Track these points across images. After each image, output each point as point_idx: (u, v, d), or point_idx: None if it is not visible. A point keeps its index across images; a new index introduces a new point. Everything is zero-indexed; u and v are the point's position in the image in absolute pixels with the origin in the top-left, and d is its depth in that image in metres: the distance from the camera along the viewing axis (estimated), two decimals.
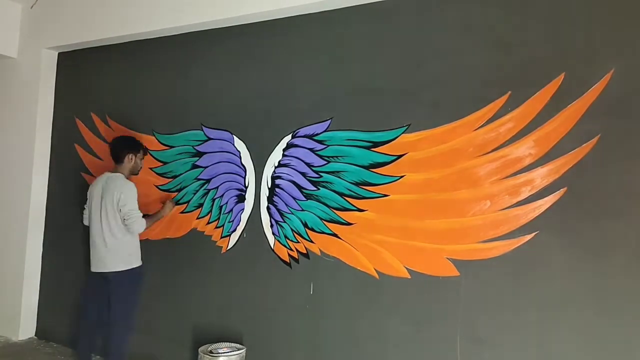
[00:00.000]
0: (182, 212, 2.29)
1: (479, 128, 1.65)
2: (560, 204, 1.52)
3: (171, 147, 2.35)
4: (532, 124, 1.57)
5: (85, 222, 2.23)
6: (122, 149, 2.12)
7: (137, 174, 2.20)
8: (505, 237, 1.59)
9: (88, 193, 2.18)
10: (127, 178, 2.12)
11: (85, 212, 2.22)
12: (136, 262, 2.11)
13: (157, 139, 2.40)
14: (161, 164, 2.38)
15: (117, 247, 2.05)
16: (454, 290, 1.65)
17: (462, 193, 1.66)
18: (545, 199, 1.54)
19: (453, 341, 1.64)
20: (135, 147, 2.15)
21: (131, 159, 2.12)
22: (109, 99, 2.59)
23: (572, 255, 1.50)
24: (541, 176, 1.55)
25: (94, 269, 2.10)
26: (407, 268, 1.74)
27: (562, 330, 1.50)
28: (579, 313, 1.49)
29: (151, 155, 2.41)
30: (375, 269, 1.81)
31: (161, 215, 2.19)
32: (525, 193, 1.57)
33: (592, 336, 1.47)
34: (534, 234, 1.55)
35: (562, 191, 1.52)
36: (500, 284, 1.59)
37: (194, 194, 2.27)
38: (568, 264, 1.51)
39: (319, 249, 1.92)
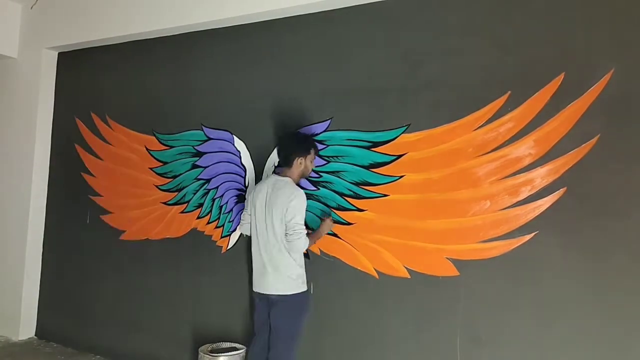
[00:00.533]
0: (182, 212, 2.30)
1: (478, 128, 1.66)
2: (559, 204, 1.53)
3: (171, 147, 2.36)
4: (531, 124, 1.58)
5: (243, 230, 1.86)
6: (290, 151, 1.73)
7: (306, 177, 1.83)
8: (505, 237, 1.60)
9: (248, 197, 1.83)
10: (297, 183, 1.75)
11: (245, 218, 1.83)
12: (303, 286, 1.72)
13: (157, 138, 2.40)
14: (161, 164, 2.39)
15: (283, 266, 1.68)
16: (454, 290, 1.65)
17: (462, 193, 1.67)
18: (545, 199, 1.54)
19: (453, 341, 1.65)
20: (306, 149, 1.75)
21: (301, 163, 1.73)
22: (109, 99, 2.60)
23: (572, 255, 1.51)
24: (541, 176, 1.55)
25: (256, 288, 1.74)
26: (407, 268, 1.75)
27: (562, 330, 1.51)
28: (579, 313, 1.49)
29: (151, 155, 2.42)
30: (375, 269, 1.81)
31: (321, 234, 1.81)
32: (525, 193, 1.57)
33: (591, 336, 1.47)
34: (533, 234, 1.55)
35: (561, 191, 1.53)
36: (500, 283, 1.59)
37: (194, 193, 2.27)
38: (567, 263, 1.51)
39: (319, 249, 1.92)
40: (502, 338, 1.58)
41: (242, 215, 1.88)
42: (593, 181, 1.49)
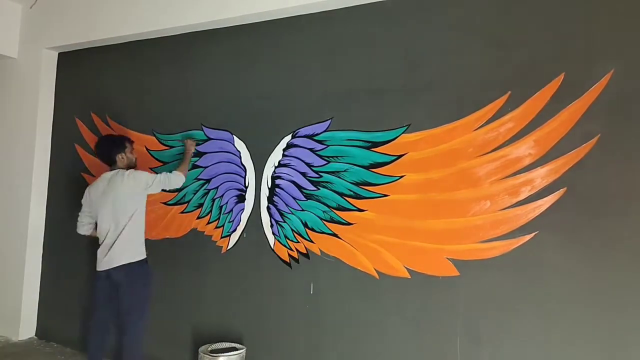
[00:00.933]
0: (182, 212, 2.30)
1: (479, 128, 1.66)
2: (560, 204, 1.53)
3: (171, 147, 2.36)
4: (532, 124, 1.58)
5: (82, 231, 2.11)
6: (109, 152, 2.04)
7: (135, 167, 2.11)
8: (505, 237, 1.60)
9: (87, 198, 2.07)
10: None
11: (84, 219, 2.09)
12: (143, 254, 2.01)
13: (157, 138, 2.41)
14: (161, 164, 2.39)
15: (131, 240, 1.97)
16: (454, 290, 1.66)
17: (462, 193, 1.67)
18: (545, 199, 1.55)
19: (453, 341, 1.65)
20: (121, 145, 2.06)
21: (122, 157, 2.05)
22: (109, 99, 2.60)
23: (572, 255, 1.51)
24: (541, 176, 1.56)
25: (100, 267, 1.99)
26: (407, 268, 1.75)
27: (562, 330, 1.51)
28: (579, 313, 1.49)
29: (151, 155, 2.42)
30: (375, 269, 1.82)
31: (187, 158, 2.13)
32: (525, 193, 1.58)
33: (591, 335, 1.47)
34: (533, 234, 1.56)
35: (561, 191, 1.53)
36: (500, 283, 1.60)
37: (194, 194, 2.27)
38: (567, 263, 1.51)
39: (319, 249, 1.93)
40: (502, 338, 1.59)
41: (80, 217, 2.10)
42: (593, 181, 1.49)
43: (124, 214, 1.95)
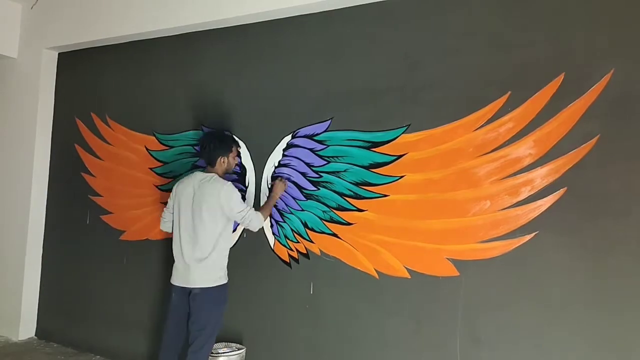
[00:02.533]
0: None
1: (479, 128, 1.67)
2: (560, 204, 1.53)
3: (171, 147, 2.37)
4: (532, 124, 1.59)
5: (166, 228, 1.93)
6: (212, 152, 1.83)
7: (231, 173, 1.95)
8: (505, 237, 1.61)
9: (173, 194, 1.88)
10: (221, 177, 1.84)
11: (166, 215, 1.92)
12: (224, 279, 1.82)
13: (157, 139, 2.42)
14: (161, 164, 2.40)
15: (210, 261, 1.77)
16: (454, 290, 1.66)
17: (462, 193, 1.68)
18: (545, 199, 1.55)
19: (453, 341, 1.66)
20: (227, 148, 1.85)
21: (223, 161, 1.84)
22: (109, 99, 2.61)
23: (572, 255, 1.52)
24: (541, 176, 1.56)
25: (175, 281, 1.81)
26: (407, 268, 1.76)
27: (562, 331, 1.52)
28: (579, 313, 1.50)
29: (151, 155, 2.43)
30: (375, 269, 1.83)
31: (274, 200, 1.91)
32: (525, 193, 1.58)
33: (592, 336, 1.48)
34: (533, 234, 1.56)
35: (562, 191, 1.54)
36: (500, 284, 1.60)
37: None
38: (568, 264, 1.52)
39: (319, 249, 1.94)
40: (502, 338, 1.59)
41: (164, 213, 1.94)
42: (593, 181, 1.50)
43: (205, 230, 1.75)
